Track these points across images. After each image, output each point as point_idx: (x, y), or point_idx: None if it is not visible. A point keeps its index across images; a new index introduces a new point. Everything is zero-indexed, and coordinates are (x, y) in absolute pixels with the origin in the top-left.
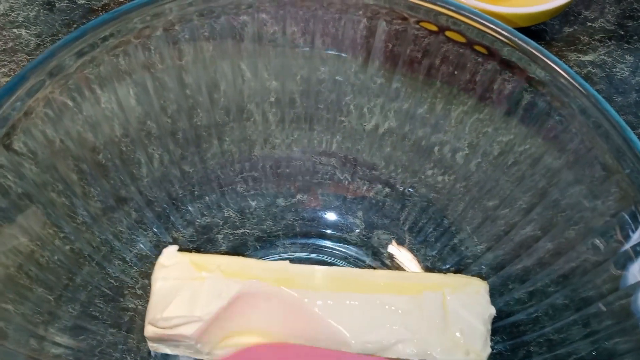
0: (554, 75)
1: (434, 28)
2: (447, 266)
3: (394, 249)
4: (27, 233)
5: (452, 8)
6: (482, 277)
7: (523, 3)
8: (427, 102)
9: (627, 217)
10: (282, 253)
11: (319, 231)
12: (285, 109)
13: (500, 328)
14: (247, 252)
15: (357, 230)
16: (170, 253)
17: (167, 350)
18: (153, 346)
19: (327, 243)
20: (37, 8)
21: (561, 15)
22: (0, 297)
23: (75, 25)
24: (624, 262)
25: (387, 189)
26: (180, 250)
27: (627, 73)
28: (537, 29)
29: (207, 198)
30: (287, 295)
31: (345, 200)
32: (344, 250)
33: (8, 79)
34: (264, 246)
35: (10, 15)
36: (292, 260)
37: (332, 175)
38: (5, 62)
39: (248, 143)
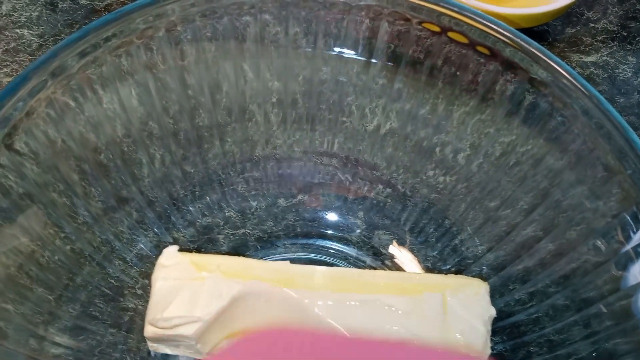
0: (556, 76)
1: (436, 29)
2: (448, 266)
3: (394, 249)
4: (28, 233)
5: (454, 9)
6: (483, 277)
7: (525, 4)
8: (429, 102)
9: (628, 218)
10: (283, 253)
11: (319, 231)
12: (287, 109)
13: (500, 328)
14: (248, 253)
15: (358, 231)
16: (170, 253)
17: (167, 350)
18: (153, 346)
19: (328, 243)
20: (39, 8)
21: (564, 16)
22: (1, 297)
23: (77, 26)
24: (625, 263)
25: (388, 190)
26: (180, 250)
27: (629, 74)
28: (539, 30)
29: (208, 198)
30: (288, 295)
31: (346, 200)
32: (344, 250)
33: (10, 79)
34: (264, 246)
35: (13, 15)
36: (293, 261)
37: (333, 175)
38: (8, 63)
39: (250, 143)
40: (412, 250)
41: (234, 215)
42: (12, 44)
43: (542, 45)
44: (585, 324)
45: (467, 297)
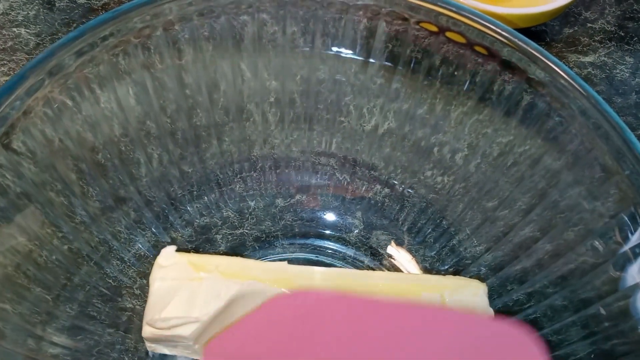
0: (554, 76)
1: (434, 29)
2: (446, 267)
3: (392, 249)
4: (26, 232)
5: (452, 9)
6: (481, 277)
7: (523, 4)
8: (427, 102)
9: (626, 218)
10: (281, 253)
11: (317, 231)
12: (285, 109)
13: None
14: (246, 253)
15: (356, 231)
16: (168, 253)
17: (165, 350)
18: (151, 346)
19: (326, 243)
20: (36, 7)
21: (561, 16)
22: None
23: (75, 25)
24: (623, 263)
25: (386, 190)
26: (178, 250)
27: (627, 74)
28: (537, 30)
29: (206, 198)
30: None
31: (344, 200)
32: (342, 250)
33: (7, 78)
34: (262, 246)
35: (10, 14)
36: (291, 261)
37: (331, 175)
38: (5, 61)
39: (247, 143)
40: (410, 251)
41: (232, 215)
42: (9, 43)
43: (540, 45)
44: (583, 325)
45: (465, 298)
